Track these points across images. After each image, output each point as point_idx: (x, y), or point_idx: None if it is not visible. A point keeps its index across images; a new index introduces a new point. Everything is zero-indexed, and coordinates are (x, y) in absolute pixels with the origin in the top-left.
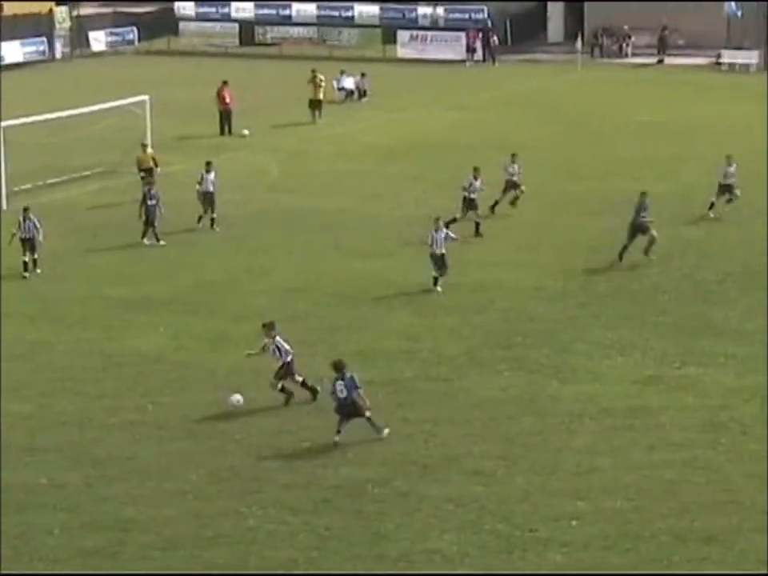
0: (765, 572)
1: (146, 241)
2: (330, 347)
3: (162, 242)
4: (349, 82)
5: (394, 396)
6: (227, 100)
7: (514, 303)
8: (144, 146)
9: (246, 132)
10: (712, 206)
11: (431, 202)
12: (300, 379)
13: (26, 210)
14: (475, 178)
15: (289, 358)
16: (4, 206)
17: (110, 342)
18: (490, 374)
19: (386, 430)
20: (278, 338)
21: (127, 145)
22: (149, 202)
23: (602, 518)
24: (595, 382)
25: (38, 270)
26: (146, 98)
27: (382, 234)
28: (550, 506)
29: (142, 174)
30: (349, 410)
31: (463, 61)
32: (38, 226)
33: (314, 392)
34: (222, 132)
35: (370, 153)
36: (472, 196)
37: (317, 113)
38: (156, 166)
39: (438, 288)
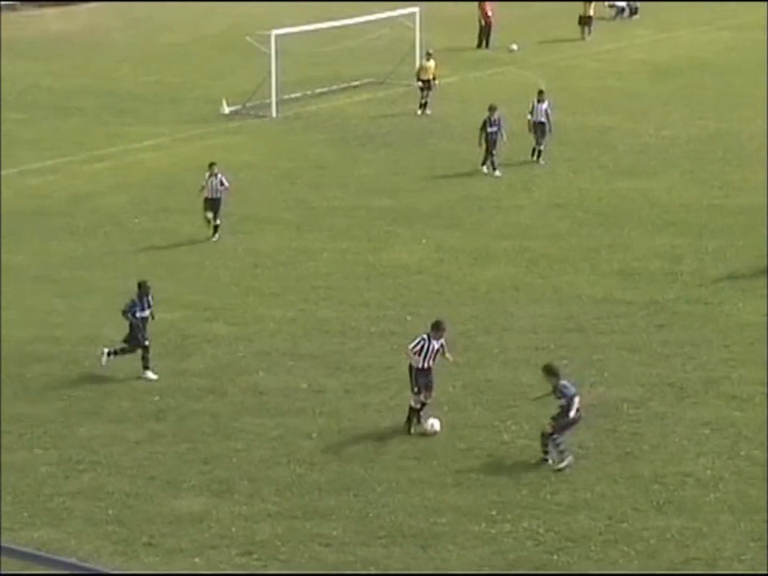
0: (765, 572)
1: (484, 169)
2: (592, 267)
3: (497, 173)
4: None
5: (654, 317)
6: (489, 13)
7: None
8: (429, 54)
9: (514, 47)
10: None
11: (699, 123)
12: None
13: (211, 165)
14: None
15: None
16: (274, 114)
17: (374, 252)
18: (752, 299)
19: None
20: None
21: (397, 56)
22: (489, 129)
23: None
24: None
25: (215, 238)
26: (416, 9)
27: (648, 153)
28: None
29: (420, 83)
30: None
31: None
32: (225, 184)
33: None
34: (480, 45)
35: (639, 71)
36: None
37: (586, 29)
38: (435, 78)
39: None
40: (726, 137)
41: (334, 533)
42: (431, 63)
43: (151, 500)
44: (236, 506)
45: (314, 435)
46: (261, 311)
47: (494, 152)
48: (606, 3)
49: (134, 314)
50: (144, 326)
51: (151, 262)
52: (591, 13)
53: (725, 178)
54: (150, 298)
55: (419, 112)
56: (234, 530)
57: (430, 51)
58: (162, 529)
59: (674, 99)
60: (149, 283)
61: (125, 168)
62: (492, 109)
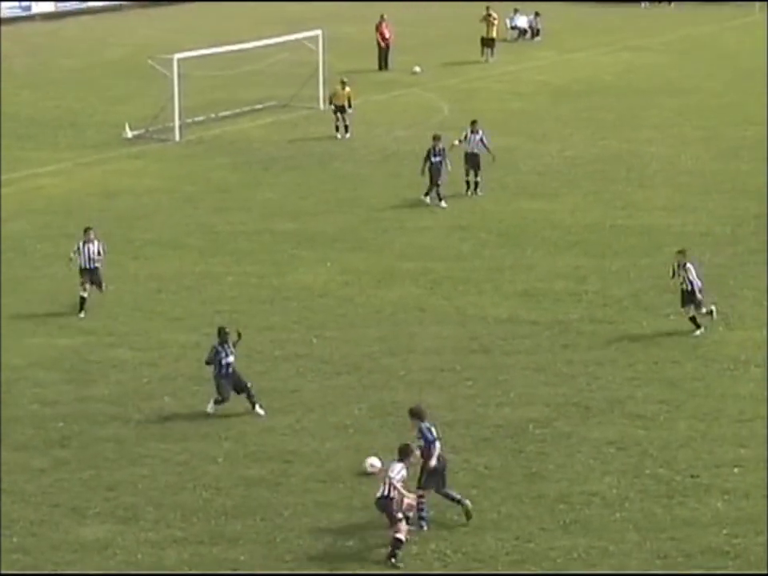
0: (765, 572)
1: (427, 199)
2: (496, 287)
3: (443, 204)
4: (522, 21)
5: (558, 337)
6: (386, 35)
7: (683, 247)
8: (343, 82)
9: (417, 69)
10: None
11: (600, 144)
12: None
13: (87, 230)
14: (473, 132)
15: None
16: (177, 138)
17: (278, 276)
18: (655, 318)
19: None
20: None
21: (299, 79)
22: (433, 159)
23: (764, 465)
24: (762, 329)
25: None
26: (318, 32)
27: (550, 174)
28: (712, 453)
29: (334, 108)
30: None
31: (638, 1)
32: (102, 253)
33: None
34: (381, 67)
35: (540, 92)
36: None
37: (488, 51)
38: (350, 105)
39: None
40: (627, 157)
41: (242, 557)
42: (346, 90)
43: (56, 528)
44: (142, 532)
45: (220, 460)
46: (165, 336)
47: (438, 182)
48: (508, 25)
49: (219, 362)
50: (230, 372)
51: (53, 287)
52: (494, 35)
53: (627, 199)
54: (229, 344)
55: (338, 136)
56: (139, 556)
57: (345, 79)
58: (67, 557)
59: (576, 120)
60: (227, 329)
61: (26, 193)
62: (436, 138)
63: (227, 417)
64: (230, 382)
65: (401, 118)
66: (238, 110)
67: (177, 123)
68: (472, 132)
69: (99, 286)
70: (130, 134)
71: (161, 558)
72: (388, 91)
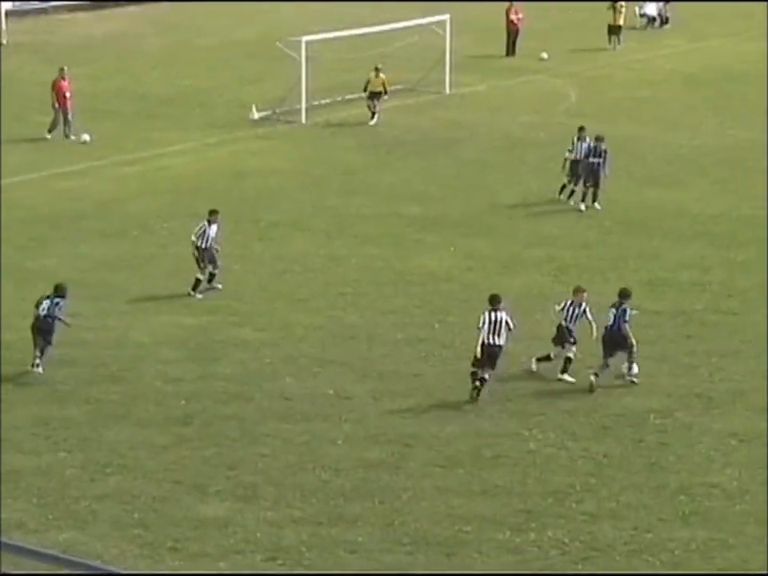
0: (765, 572)
1: (581, 206)
2: (620, 276)
3: (597, 206)
4: (651, 8)
5: (682, 328)
6: (515, 20)
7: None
8: (377, 69)
9: (544, 55)
10: None
11: (730, 133)
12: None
13: (213, 212)
14: (579, 139)
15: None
16: (303, 120)
17: (402, 259)
18: None
19: (635, 372)
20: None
21: (427, 63)
22: (592, 159)
23: None
24: None
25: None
26: (446, 17)
27: (677, 163)
28: None
29: (369, 94)
30: (614, 340)
31: None
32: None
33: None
34: (508, 53)
35: (670, 81)
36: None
37: (615, 39)
38: (385, 91)
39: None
40: (756, 147)
41: (359, 539)
42: (381, 77)
43: (177, 504)
44: (261, 511)
45: (340, 441)
46: (288, 317)
47: (595, 184)
48: (637, 12)
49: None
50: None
51: (179, 266)
52: (621, 22)
53: (755, 189)
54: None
55: (371, 122)
56: (258, 535)
57: (379, 66)
58: (187, 533)
59: (705, 109)
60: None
61: (154, 173)
62: (599, 139)
63: (348, 398)
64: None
65: (527, 104)
66: (364, 94)
67: (303, 105)
68: (578, 139)
69: (215, 265)
70: (257, 116)
71: (279, 538)
72: (515, 77)
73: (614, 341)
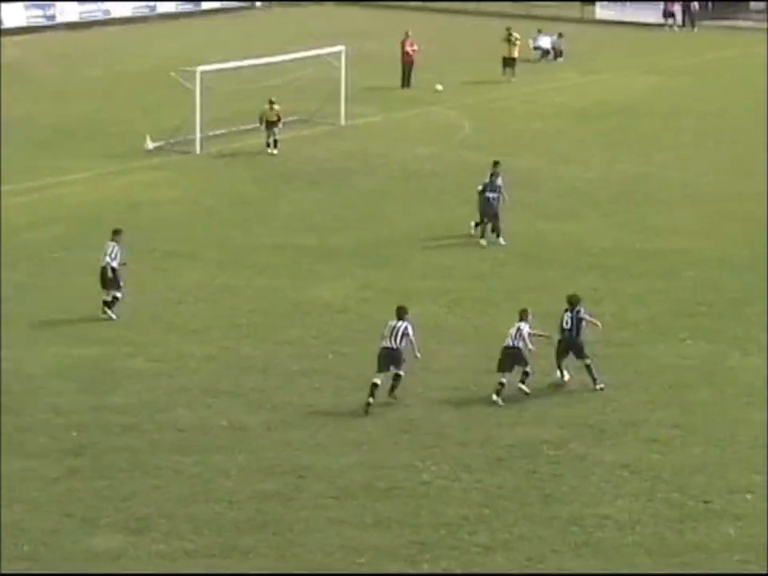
0: (765, 572)
1: (477, 233)
2: (514, 308)
3: (502, 241)
4: (545, 42)
5: (574, 359)
6: (410, 52)
7: (700, 272)
8: (271, 102)
9: (439, 87)
10: None
11: (621, 166)
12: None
13: (117, 232)
14: (493, 174)
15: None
16: (198, 150)
17: (297, 290)
18: (671, 342)
19: (601, 385)
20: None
21: (322, 95)
22: (489, 194)
23: None
24: None
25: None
26: (341, 48)
27: (571, 195)
28: (725, 478)
29: (265, 125)
30: (571, 344)
31: (662, 25)
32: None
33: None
34: (403, 84)
35: (563, 114)
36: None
37: (510, 71)
38: (279, 120)
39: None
40: (647, 180)
41: (252, 571)
42: (275, 108)
43: (68, 537)
44: (153, 543)
45: (233, 473)
46: (182, 348)
47: (492, 218)
48: (532, 45)
49: None
50: None
51: (72, 296)
52: (516, 54)
53: (646, 222)
54: None
55: (269, 151)
56: (150, 568)
57: (273, 99)
58: (78, 566)
59: (597, 142)
60: None
61: (46, 202)
62: (494, 174)
63: (242, 429)
64: None
65: (422, 135)
66: (259, 125)
67: (198, 136)
68: (492, 175)
69: (119, 288)
70: (151, 146)
71: (172, 570)
72: (410, 109)
73: (570, 345)
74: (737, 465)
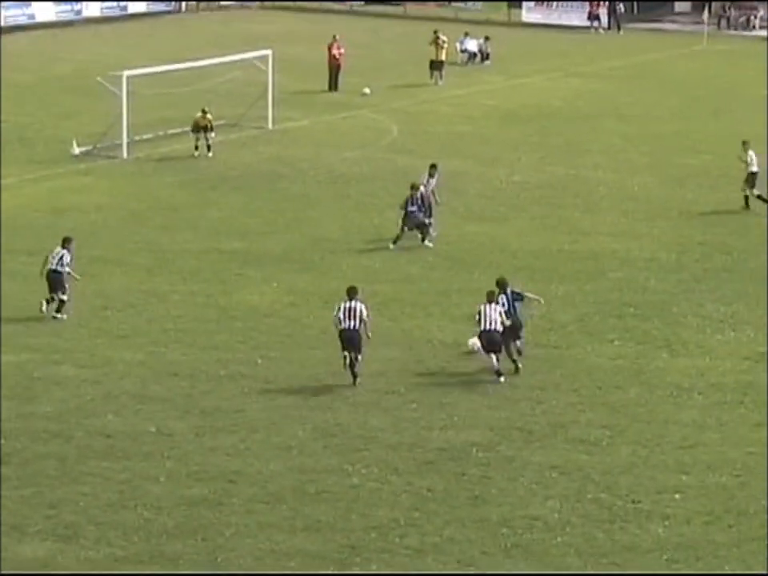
0: (765, 572)
1: (391, 246)
2: (443, 311)
3: (428, 243)
4: (472, 45)
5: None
6: (337, 56)
7: (627, 273)
8: (204, 111)
9: (367, 90)
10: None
11: (548, 169)
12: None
13: (68, 240)
14: (431, 176)
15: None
16: (125, 155)
17: (224, 295)
18: (599, 343)
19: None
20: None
21: (249, 99)
22: (410, 208)
23: (705, 492)
24: (705, 357)
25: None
26: (268, 52)
27: (498, 198)
28: (654, 479)
29: (196, 133)
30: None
31: (588, 27)
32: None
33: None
34: (330, 88)
35: (490, 116)
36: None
37: (438, 74)
38: (211, 129)
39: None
40: (574, 183)
41: None
42: (207, 117)
43: None
44: (82, 550)
45: (162, 479)
46: (109, 354)
47: (425, 225)
48: (459, 48)
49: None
50: None
51: None
52: (443, 58)
53: (573, 224)
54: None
55: (196, 154)
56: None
57: (205, 108)
58: (7, 574)
59: (524, 145)
60: None
61: None
62: (414, 188)
63: (170, 435)
64: None
65: (349, 139)
66: (187, 129)
67: (125, 140)
68: (430, 176)
69: (64, 291)
70: (77, 151)
71: None
72: (337, 112)
73: (513, 326)
74: (665, 465)
